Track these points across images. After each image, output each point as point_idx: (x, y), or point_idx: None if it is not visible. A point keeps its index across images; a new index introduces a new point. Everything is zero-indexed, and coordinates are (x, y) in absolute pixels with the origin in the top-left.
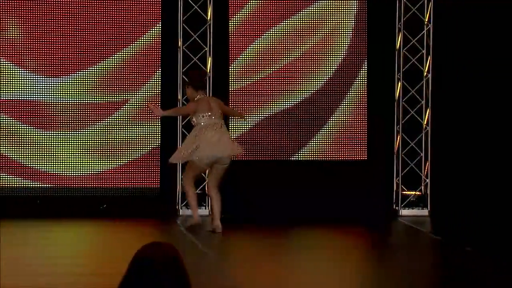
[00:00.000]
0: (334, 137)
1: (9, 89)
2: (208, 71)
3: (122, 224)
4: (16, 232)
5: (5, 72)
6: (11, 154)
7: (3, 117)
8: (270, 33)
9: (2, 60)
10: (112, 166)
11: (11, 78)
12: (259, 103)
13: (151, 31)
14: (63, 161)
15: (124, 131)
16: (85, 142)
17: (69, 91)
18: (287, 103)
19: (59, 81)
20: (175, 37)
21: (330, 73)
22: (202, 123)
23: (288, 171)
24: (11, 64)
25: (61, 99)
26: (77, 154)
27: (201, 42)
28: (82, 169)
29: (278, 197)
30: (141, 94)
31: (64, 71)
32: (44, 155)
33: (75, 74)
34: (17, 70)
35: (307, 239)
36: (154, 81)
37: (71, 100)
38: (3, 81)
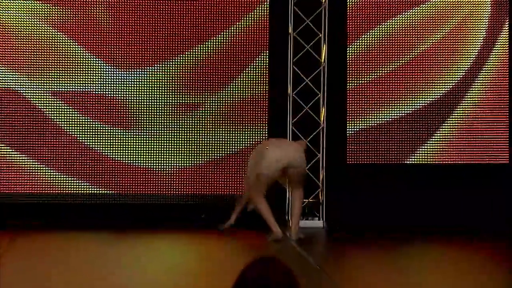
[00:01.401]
0: (472, 139)
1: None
2: (323, 61)
3: (224, 236)
4: (101, 244)
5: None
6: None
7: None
8: (395, 20)
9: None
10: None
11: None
12: (381, 102)
13: (254, 13)
14: (155, 159)
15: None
16: (181, 137)
17: (171, 77)
18: (415, 103)
19: (157, 68)
20: (284, 22)
21: (464, 68)
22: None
23: (417, 175)
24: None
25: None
26: (168, 152)
27: (315, 28)
28: (175, 170)
29: (403, 203)
30: (242, 90)
31: (163, 57)
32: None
33: (173, 60)
34: (110, 68)
35: (434, 251)
36: (258, 74)
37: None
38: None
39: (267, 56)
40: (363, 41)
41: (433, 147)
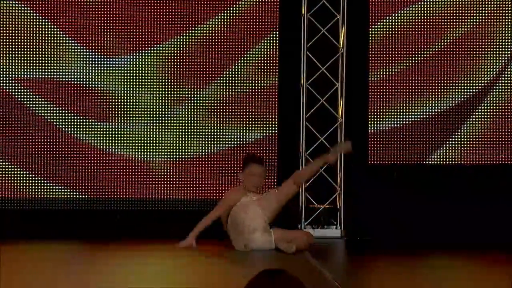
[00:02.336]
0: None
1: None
2: (341, 46)
3: (226, 246)
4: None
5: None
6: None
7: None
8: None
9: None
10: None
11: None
12: (410, 94)
13: None
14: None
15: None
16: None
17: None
18: (451, 96)
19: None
20: (297, 1)
21: (505, 56)
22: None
23: (450, 178)
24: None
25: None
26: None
27: (332, 8)
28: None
29: (433, 210)
30: (247, 79)
31: (149, 43)
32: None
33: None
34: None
35: (472, 267)
36: (266, 61)
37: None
38: None
39: (276, 41)
40: (388, 23)
41: (470, 146)
